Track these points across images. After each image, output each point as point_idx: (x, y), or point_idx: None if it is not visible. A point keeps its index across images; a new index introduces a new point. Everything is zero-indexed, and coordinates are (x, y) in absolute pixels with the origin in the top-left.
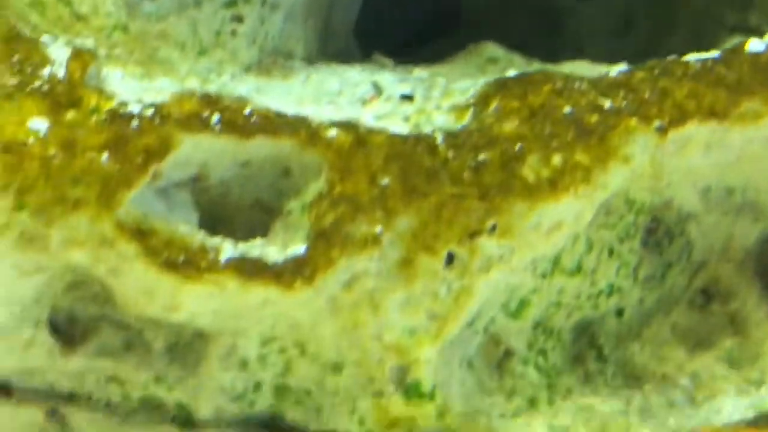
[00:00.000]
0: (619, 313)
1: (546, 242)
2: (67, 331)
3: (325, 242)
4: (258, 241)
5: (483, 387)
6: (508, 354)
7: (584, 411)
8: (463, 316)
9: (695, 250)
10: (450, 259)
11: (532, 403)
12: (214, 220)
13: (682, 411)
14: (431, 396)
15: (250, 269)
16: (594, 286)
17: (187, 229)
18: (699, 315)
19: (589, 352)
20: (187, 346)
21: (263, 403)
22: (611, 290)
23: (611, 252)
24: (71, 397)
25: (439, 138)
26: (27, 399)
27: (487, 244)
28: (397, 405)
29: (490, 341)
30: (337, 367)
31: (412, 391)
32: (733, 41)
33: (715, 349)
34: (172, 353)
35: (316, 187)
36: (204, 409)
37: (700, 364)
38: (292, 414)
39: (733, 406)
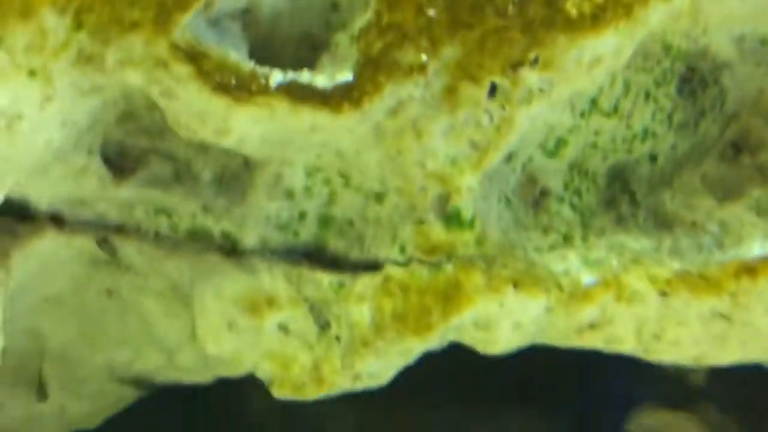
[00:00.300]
0: (653, 158)
1: (586, 77)
2: (118, 164)
3: (373, 68)
4: (307, 72)
5: (520, 222)
6: (545, 193)
7: (617, 247)
8: (503, 146)
9: (728, 100)
10: (493, 89)
11: (567, 239)
12: (263, 54)
13: (710, 254)
14: (470, 224)
15: (299, 93)
16: (629, 129)
17: (238, 56)
18: (729, 166)
19: (622, 196)
20: (234, 177)
21: (307, 232)
22: (646, 135)
23: (647, 96)
24: (121, 228)
25: None
26: (78, 229)
27: (529, 76)
28: (437, 232)
29: (528, 180)
30: (379, 197)
31: (452, 219)
32: None
33: (744, 198)
34: (220, 184)
35: (363, 18)
36: (249, 239)
37: (729, 213)
38: (335, 243)
39: (760, 251)
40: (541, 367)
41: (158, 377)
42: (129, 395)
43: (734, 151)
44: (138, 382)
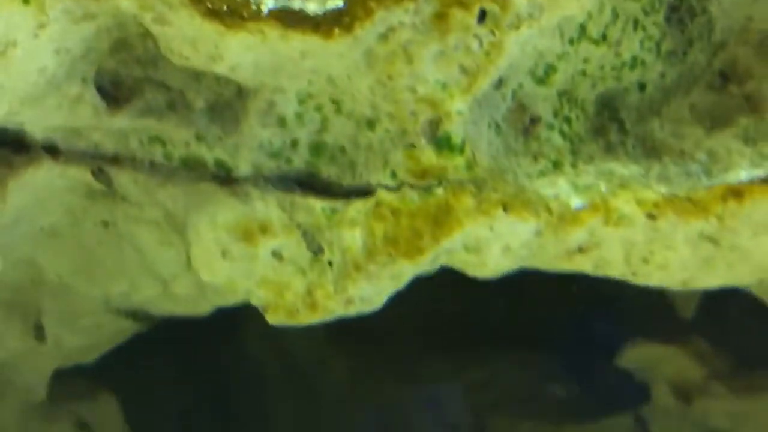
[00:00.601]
0: (642, 87)
1: (574, 2)
2: (112, 93)
3: None
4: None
5: (510, 149)
6: (534, 120)
7: (606, 173)
8: (493, 71)
9: (716, 29)
10: (482, 14)
11: (556, 165)
12: None
13: (698, 180)
14: (461, 149)
15: (291, 19)
16: (618, 57)
17: None
18: (717, 95)
19: (611, 125)
20: (227, 105)
21: (299, 160)
22: (634, 63)
23: (636, 24)
24: (115, 158)
25: None
26: (73, 159)
27: (518, 1)
28: (428, 156)
29: (518, 107)
30: (371, 123)
31: (442, 143)
32: None
33: (732, 127)
34: (213, 112)
35: None
36: (243, 166)
37: (717, 141)
38: (327, 170)
39: (747, 177)
40: (531, 305)
41: (154, 309)
42: (126, 328)
43: (722, 80)
44: (134, 314)
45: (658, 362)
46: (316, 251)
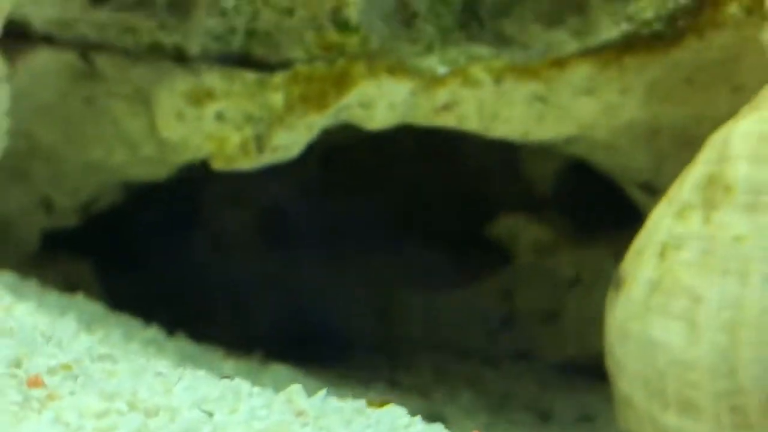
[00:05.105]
0: None
1: None
2: None
3: None
4: None
5: (394, 35)
6: (414, 15)
7: (465, 52)
8: None
9: None
10: None
11: (429, 47)
12: None
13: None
14: (356, 30)
15: None
16: None
17: None
18: (552, 2)
19: (473, 21)
20: (182, 1)
21: (237, 42)
22: None
23: None
24: (97, 45)
25: None
26: (64, 47)
27: None
28: (332, 36)
29: (400, 4)
30: (290, 11)
31: (342, 25)
32: None
33: (564, 25)
34: (171, 7)
35: None
36: (194, 48)
37: (552, 35)
38: (258, 50)
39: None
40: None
41: (126, 171)
42: (105, 190)
43: None
44: (111, 175)
45: (520, 228)
46: (249, 114)
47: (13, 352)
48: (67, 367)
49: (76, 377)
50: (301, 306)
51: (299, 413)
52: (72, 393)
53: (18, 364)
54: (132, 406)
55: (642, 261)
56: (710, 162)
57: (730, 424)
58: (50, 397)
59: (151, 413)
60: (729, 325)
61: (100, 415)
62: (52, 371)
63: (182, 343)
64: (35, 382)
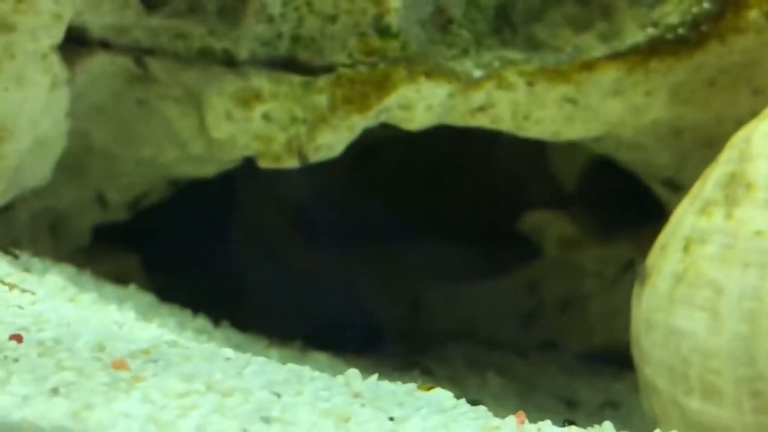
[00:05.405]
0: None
1: None
2: (149, 1)
3: None
4: None
5: (432, 39)
6: (450, 20)
7: (499, 57)
8: None
9: None
10: None
11: (464, 52)
12: None
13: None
14: (397, 36)
15: None
16: None
17: None
18: (582, 7)
19: (506, 27)
20: (232, 8)
21: (283, 47)
22: None
23: None
24: (151, 50)
25: None
26: (120, 51)
27: None
28: (374, 41)
29: (437, 10)
30: (333, 18)
31: (384, 32)
32: None
33: (592, 30)
34: (221, 13)
35: None
36: (242, 53)
37: (581, 40)
38: (303, 54)
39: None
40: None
41: (175, 168)
42: (154, 186)
43: None
44: (160, 172)
45: (549, 223)
46: (295, 115)
47: (94, 338)
48: (146, 351)
49: (156, 361)
50: (335, 298)
51: (356, 395)
52: (155, 375)
53: (101, 348)
54: (209, 387)
55: (667, 255)
56: (732, 161)
57: (751, 408)
58: (136, 379)
59: (226, 394)
60: (749, 315)
61: (182, 395)
62: (132, 355)
63: (229, 333)
64: (120, 365)
